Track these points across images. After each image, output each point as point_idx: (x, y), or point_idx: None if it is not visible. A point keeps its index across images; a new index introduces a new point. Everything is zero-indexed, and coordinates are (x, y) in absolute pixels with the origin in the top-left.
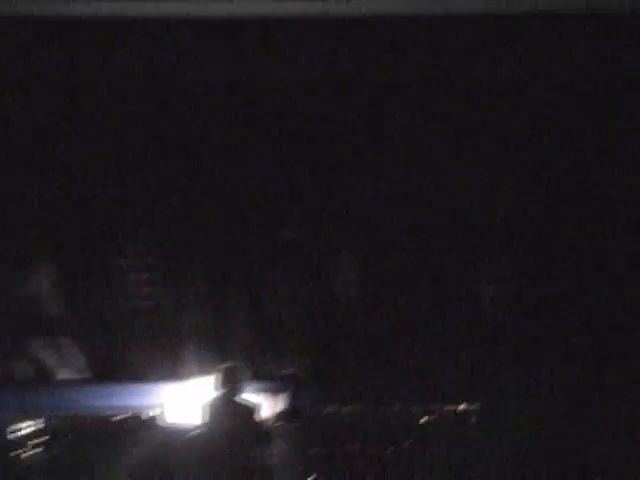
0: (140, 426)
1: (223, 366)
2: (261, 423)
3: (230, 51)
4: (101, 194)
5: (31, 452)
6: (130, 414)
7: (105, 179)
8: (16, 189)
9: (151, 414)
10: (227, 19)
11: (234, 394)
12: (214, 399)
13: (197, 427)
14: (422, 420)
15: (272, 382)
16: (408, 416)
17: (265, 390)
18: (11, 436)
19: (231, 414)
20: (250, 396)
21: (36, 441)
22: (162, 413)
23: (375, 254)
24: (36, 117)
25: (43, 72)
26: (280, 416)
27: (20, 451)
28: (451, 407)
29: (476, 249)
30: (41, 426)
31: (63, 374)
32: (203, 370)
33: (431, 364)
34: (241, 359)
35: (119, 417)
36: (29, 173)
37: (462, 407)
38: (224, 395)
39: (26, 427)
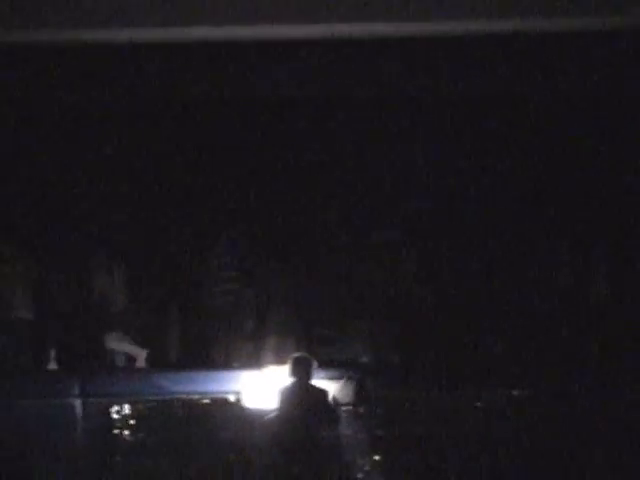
0: (221, 410)
1: (296, 355)
2: (330, 407)
3: (246, 70)
4: (191, 203)
5: (128, 432)
6: (211, 399)
7: (192, 189)
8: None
9: (231, 399)
10: (241, 42)
11: (306, 380)
12: (288, 385)
13: (273, 411)
14: (479, 403)
15: (341, 369)
16: (467, 400)
17: (334, 377)
18: (114, 417)
19: (303, 399)
20: (320, 382)
21: (131, 422)
22: (241, 398)
23: (437, 247)
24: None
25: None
26: (348, 400)
27: (120, 431)
28: (506, 392)
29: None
30: (132, 410)
31: (151, 362)
32: (278, 359)
33: (488, 351)
34: (312, 348)
35: (202, 402)
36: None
37: (516, 392)
38: (297, 381)
39: (122, 410)
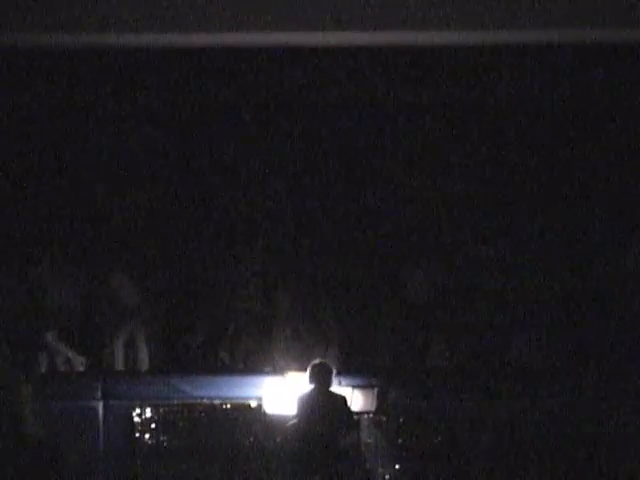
0: (242, 415)
1: (315, 361)
2: (350, 413)
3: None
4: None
5: (150, 435)
6: (233, 404)
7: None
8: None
9: (252, 404)
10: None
11: (326, 387)
12: (308, 391)
13: (293, 416)
14: (505, 414)
15: (361, 377)
16: (489, 410)
17: (355, 384)
18: (135, 420)
19: (323, 405)
20: (340, 389)
21: (152, 426)
22: (262, 403)
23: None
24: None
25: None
26: (368, 408)
27: (142, 434)
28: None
29: None
30: (153, 413)
31: (175, 367)
32: (298, 365)
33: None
34: (333, 355)
35: (223, 406)
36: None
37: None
38: (316, 388)
39: (144, 413)
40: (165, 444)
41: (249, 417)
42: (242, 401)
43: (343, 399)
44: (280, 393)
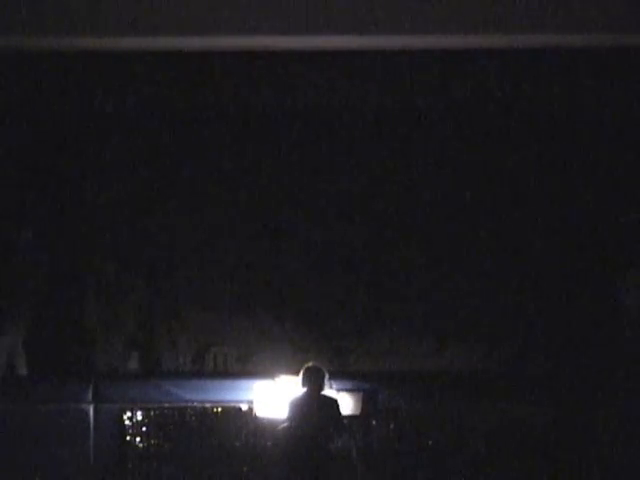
0: (233, 419)
1: (308, 365)
2: (342, 417)
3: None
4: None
5: (141, 438)
6: (223, 407)
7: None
8: None
9: (243, 408)
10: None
11: (318, 390)
12: (300, 395)
13: (284, 420)
14: (493, 419)
15: (352, 380)
16: (480, 414)
17: (346, 387)
18: (126, 424)
19: (315, 408)
20: (332, 392)
21: (143, 429)
22: (253, 407)
23: None
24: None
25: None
26: (359, 411)
27: (132, 437)
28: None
29: None
30: (144, 417)
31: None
32: (290, 368)
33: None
34: (324, 358)
35: (214, 410)
36: None
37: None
38: (308, 391)
39: (135, 416)
40: (156, 447)
41: (240, 420)
42: (233, 404)
43: (335, 402)
44: (271, 396)
